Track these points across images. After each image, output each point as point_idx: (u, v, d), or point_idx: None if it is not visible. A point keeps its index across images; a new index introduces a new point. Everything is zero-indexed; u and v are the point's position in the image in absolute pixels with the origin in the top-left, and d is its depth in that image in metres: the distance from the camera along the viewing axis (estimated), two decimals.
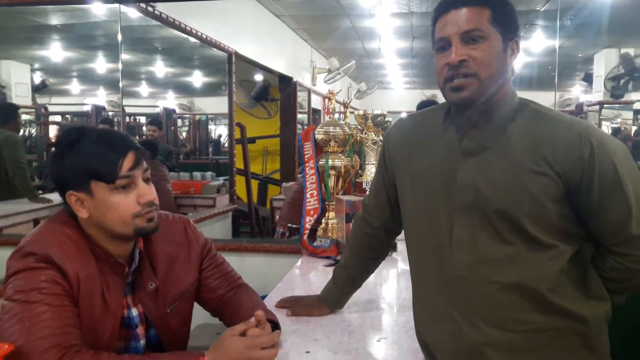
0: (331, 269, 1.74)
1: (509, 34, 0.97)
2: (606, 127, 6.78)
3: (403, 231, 1.18)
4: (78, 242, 1.08)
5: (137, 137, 6.09)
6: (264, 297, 1.58)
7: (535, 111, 0.99)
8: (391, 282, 1.73)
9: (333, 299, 1.38)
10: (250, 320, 1.10)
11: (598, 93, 6.52)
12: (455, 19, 0.96)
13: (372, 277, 1.39)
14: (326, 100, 2.23)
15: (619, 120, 7.24)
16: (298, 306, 1.38)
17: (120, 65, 3.04)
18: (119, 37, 2.96)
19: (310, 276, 1.83)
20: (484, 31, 0.95)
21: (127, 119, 6.50)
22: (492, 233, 0.96)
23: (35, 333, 0.95)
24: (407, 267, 1.15)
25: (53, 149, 1.09)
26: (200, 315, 1.38)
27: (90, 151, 1.06)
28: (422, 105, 2.85)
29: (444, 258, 1.01)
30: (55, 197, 3.43)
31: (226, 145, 6.02)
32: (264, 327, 1.10)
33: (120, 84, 3.09)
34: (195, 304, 1.33)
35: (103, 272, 1.10)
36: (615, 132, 6.62)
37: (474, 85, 0.95)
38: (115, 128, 4.23)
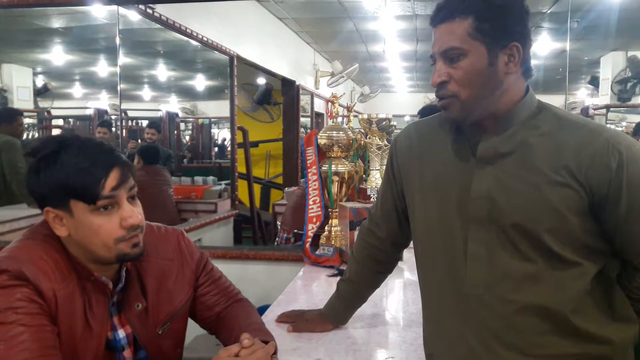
0: (334, 279, 1.68)
1: (501, 41, 0.88)
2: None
3: (412, 243, 1.11)
4: (57, 258, 1.00)
5: (139, 141, 6.06)
6: (266, 307, 1.52)
7: (557, 116, 0.91)
8: (397, 294, 1.66)
9: (337, 314, 1.31)
10: (243, 340, 1.03)
11: (605, 96, 6.44)
12: (437, 36, 0.91)
13: (377, 289, 1.32)
14: (329, 103, 2.16)
15: (624, 123, 7.17)
16: (300, 321, 1.32)
17: (118, 69, 3.00)
18: (117, 40, 2.91)
19: (313, 287, 1.77)
20: (462, 48, 0.88)
21: (130, 122, 6.48)
22: (510, 249, 0.89)
23: (11, 357, 0.88)
24: (414, 278, 1.09)
25: (30, 160, 0.99)
26: (198, 326, 1.31)
27: (70, 167, 0.96)
28: (425, 110, 2.78)
29: (458, 275, 0.94)
30: None
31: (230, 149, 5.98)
32: (254, 342, 1.03)
33: (119, 87, 3.04)
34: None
35: (85, 290, 1.02)
36: None
37: (456, 106, 0.91)
38: (114, 130, 4.18)
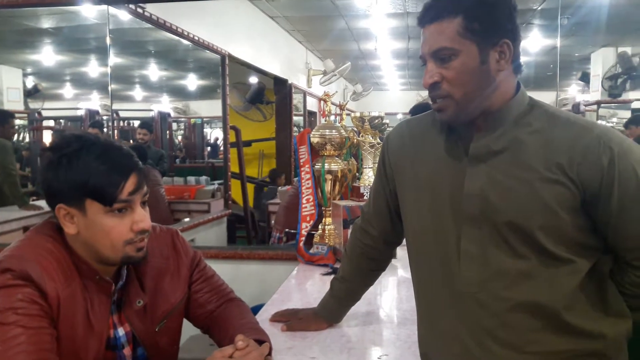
0: (328, 278, 1.68)
1: (491, 39, 0.88)
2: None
3: (405, 241, 1.11)
4: (61, 258, 1.01)
5: (131, 141, 6.04)
6: (260, 306, 1.52)
7: (548, 113, 0.91)
8: (391, 292, 1.66)
9: (330, 313, 1.31)
10: (237, 342, 1.04)
11: (595, 92, 6.49)
12: (426, 37, 0.91)
13: (371, 286, 1.32)
14: (322, 102, 2.17)
15: (614, 119, 7.22)
16: (294, 320, 1.31)
17: (109, 69, 2.98)
18: (108, 40, 2.90)
19: (307, 286, 1.77)
20: (454, 48, 0.87)
21: (122, 123, 6.45)
22: (503, 247, 0.89)
23: (8, 359, 0.88)
24: (408, 275, 1.09)
25: (49, 155, 1.00)
26: (192, 326, 1.31)
27: (91, 168, 0.97)
28: (416, 108, 2.77)
29: (452, 273, 0.94)
30: (46, 205, 3.36)
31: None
32: (248, 344, 1.04)
33: (110, 88, 3.02)
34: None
35: (88, 289, 1.03)
36: None
37: (451, 107, 0.90)
38: (105, 131, 4.17)
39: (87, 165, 0.97)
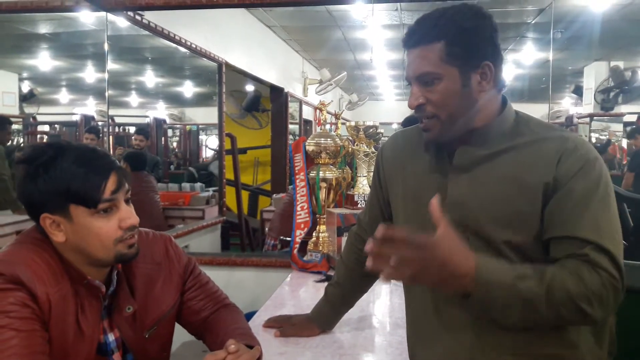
0: (322, 285, 1.70)
1: (472, 63, 0.91)
2: (596, 139, 6.87)
3: None
4: (51, 261, 1.01)
5: (126, 147, 6.03)
6: (253, 313, 1.53)
7: (532, 129, 0.95)
8: (383, 299, 1.67)
9: (324, 318, 1.32)
10: (229, 346, 1.04)
11: (588, 105, 6.57)
12: (410, 60, 0.94)
13: (364, 294, 1.33)
14: (317, 111, 2.20)
15: (606, 133, 7.30)
16: (287, 326, 1.33)
17: (106, 75, 2.99)
18: (105, 46, 2.91)
19: (300, 292, 1.78)
20: (437, 72, 0.91)
21: (117, 129, 6.45)
22: (483, 251, 0.91)
23: None
24: (400, 283, 1.11)
25: (24, 167, 1.00)
26: (185, 332, 1.32)
27: (70, 173, 0.98)
28: (408, 120, 2.80)
29: None
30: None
31: None
32: (239, 348, 1.05)
33: (107, 94, 3.03)
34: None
35: (78, 294, 1.03)
36: (606, 145, 6.68)
37: (436, 126, 0.94)
38: (101, 136, 4.17)
39: (66, 170, 0.98)
